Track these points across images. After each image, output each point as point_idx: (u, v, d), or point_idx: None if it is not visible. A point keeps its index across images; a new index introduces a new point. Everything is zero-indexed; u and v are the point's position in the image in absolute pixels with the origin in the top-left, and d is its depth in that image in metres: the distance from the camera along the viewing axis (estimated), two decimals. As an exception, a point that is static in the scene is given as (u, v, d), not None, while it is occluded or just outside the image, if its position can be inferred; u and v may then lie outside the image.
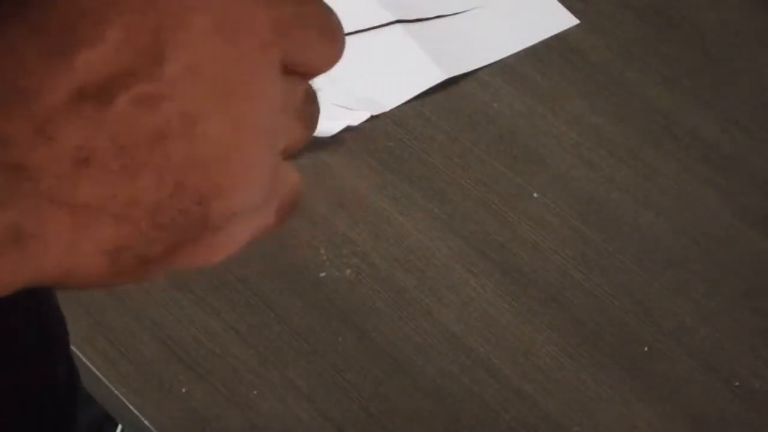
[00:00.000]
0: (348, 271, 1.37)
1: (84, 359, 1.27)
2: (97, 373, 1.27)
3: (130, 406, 1.25)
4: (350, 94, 1.52)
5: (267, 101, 0.39)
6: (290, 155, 0.43)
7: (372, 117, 1.52)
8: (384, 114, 1.52)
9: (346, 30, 0.44)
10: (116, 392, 1.26)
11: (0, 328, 0.91)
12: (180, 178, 0.36)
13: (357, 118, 1.51)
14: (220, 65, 0.36)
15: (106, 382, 1.26)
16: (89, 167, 0.35)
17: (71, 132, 0.34)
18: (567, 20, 1.63)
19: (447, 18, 1.64)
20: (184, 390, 1.27)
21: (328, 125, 1.49)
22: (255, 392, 1.27)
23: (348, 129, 1.50)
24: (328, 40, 0.42)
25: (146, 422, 1.24)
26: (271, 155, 0.40)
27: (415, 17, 1.63)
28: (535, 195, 1.45)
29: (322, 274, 1.36)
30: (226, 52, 0.36)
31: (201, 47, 0.36)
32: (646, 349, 1.32)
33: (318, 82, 0.51)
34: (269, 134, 0.40)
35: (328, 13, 0.42)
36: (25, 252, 0.35)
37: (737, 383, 1.30)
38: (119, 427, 1.13)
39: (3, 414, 0.93)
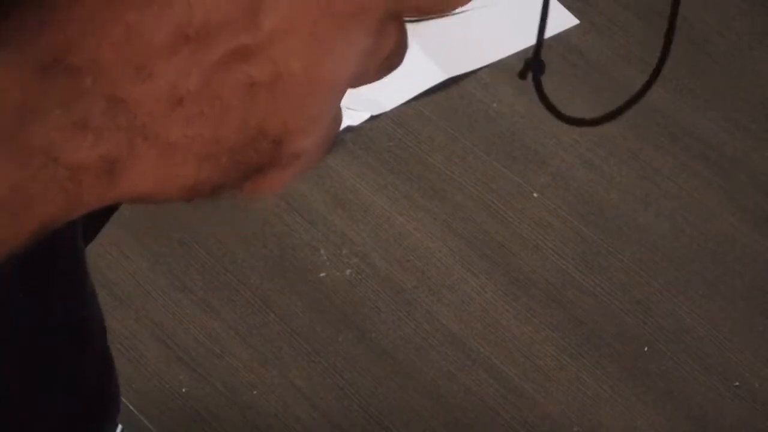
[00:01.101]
0: (348, 271, 1.37)
1: (84, 359, 1.27)
2: (97, 373, 1.27)
3: (130, 406, 1.25)
4: (350, 94, 1.52)
5: (352, 61, 0.41)
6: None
7: (372, 117, 1.52)
8: (384, 114, 1.52)
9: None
10: (116, 392, 1.26)
11: (37, 324, 0.91)
12: (261, 123, 0.39)
13: (357, 118, 1.51)
14: (312, 23, 0.38)
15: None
16: (182, 108, 0.37)
17: (169, 72, 0.36)
18: (567, 20, 1.63)
19: (447, 18, 1.64)
20: (184, 390, 1.27)
21: (328, 125, 1.49)
22: (255, 392, 1.27)
23: (348, 129, 1.50)
24: None
25: (146, 422, 1.24)
26: (339, 103, 0.42)
27: (415, 17, 1.63)
28: (535, 195, 1.45)
29: (322, 274, 1.36)
30: (321, 10, 0.38)
31: (297, 3, 0.38)
32: (646, 349, 1.32)
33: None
34: (345, 87, 0.42)
35: None
36: (114, 181, 0.37)
37: (737, 383, 1.30)
38: (119, 427, 1.14)
39: (33, 410, 0.94)
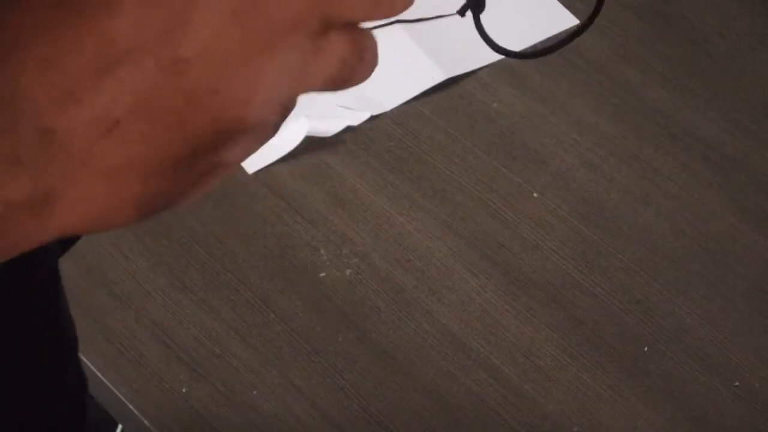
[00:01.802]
0: (348, 271, 1.37)
1: (84, 359, 1.27)
2: (98, 373, 1.27)
3: (130, 406, 1.25)
4: (350, 94, 1.52)
5: (283, 76, 0.40)
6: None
7: (372, 117, 1.52)
8: (384, 114, 1.52)
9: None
10: (116, 392, 1.26)
11: (11, 334, 0.91)
12: (202, 135, 0.38)
13: (357, 118, 1.51)
14: (237, 41, 0.37)
15: (106, 383, 1.26)
16: (119, 129, 0.36)
17: (99, 95, 0.35)
18: (567, 20, 1.63)
19: (447, 18, 1.64)
20: (184, 390, 1.27)
21: (328, 125, 1.49)
22: (255, 392, 1.27)
23: (348, 129, 1.50)
24: None
25: (146, 422, 1.24)
26: (288, 102, 0.42)
27: (415, 17, 1.63)
28: (535, 195, 1.45)
29: (322, 274, 1.36)
30: (244, 26, 0.38)
31: (219, 23, 0.37)
32: (646, 349, 1.32)
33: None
34: (281, 99, 0.42)
35: None
36: (52, 214, 0.36)
37: (737, 383, 1.30)
38: (119, 427, 1.13)
39: (12, 421, 0.94)
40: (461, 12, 0.55)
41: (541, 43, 1.61)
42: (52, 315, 0.99)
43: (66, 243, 1.00)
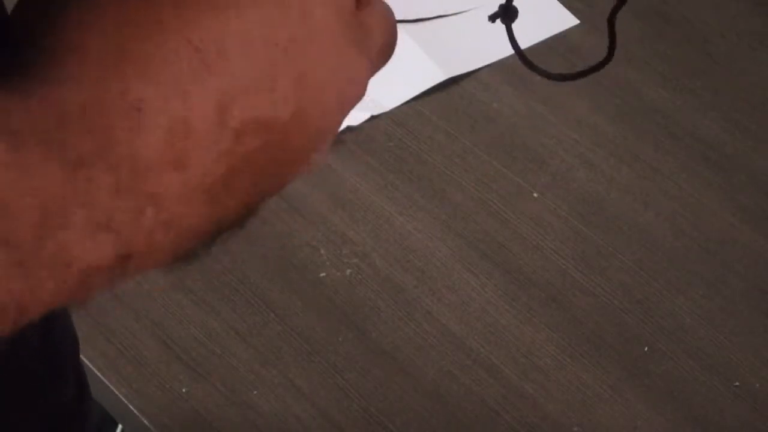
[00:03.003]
0: (348, 271, 1.37)
1: (84, 360, 1.27)
2: (98, 373, 1.27)
3: (130, 406, 1.25)
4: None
5: (360, 55, 0.40)
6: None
7: (372, 117, 1.52)
8: (384, 114, 1.52)
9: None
10: (116, 392, 1.26)
11: (10, 343, 0.91)
12: (264, 188, 0.38)
13: (357, 118, 1.51)
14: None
15: (107, 383, 1.26)
16: (209, 193, 0.38)
17: (203, 160, 0.35)
18: (567, 20, 1.63)
19: (447, 18, 1.64)
20: (184, 390, 1.27)
21: (328, 125, 1.49)
22: (255, 392, 1.27)
23: (348, 129, 1.50)
24: None
25: (146, 422, 1.24)
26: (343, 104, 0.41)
27: (415, 17, 1.63)
28: (535, 195, 1.45)
29: (322, 274, 1.36)
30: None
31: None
32: (646, 349, 1.32)
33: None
34: (367, 74, 0.41)
35: None
36: (123, 275, 0.36)
37: (737, 383, 1.30)
38: (119, 427, 1.13)
39: (11, 422, 0.94)
40: (491, 19, 0.55)
41: (541, 43, 1.61)
42: (51, 316, 0.99)
43: None
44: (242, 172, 0.36)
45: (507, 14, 0.51)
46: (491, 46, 1.60)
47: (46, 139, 0.33)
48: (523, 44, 1.67)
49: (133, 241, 0.34)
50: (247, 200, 0.37)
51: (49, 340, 0.98)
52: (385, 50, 0.44)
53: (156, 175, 0.34)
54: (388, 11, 0.45)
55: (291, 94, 0.36)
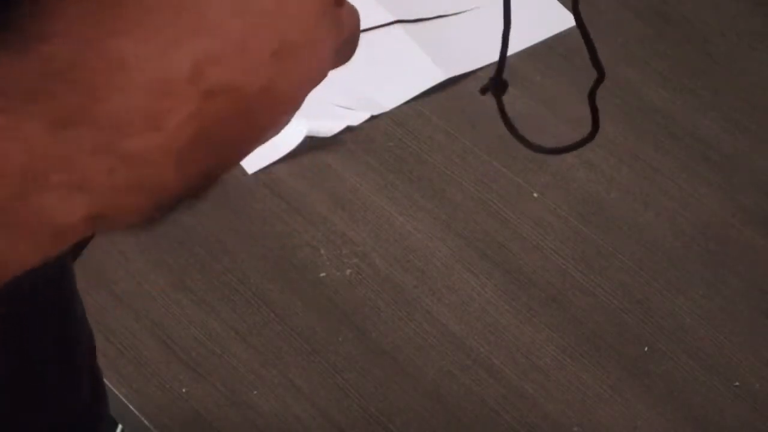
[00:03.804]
0: (348, 271, 1.37)
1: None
2: (97, 373, 1.27)
3: (130, 406, 1.25)
4: (350, 94, 1.52)
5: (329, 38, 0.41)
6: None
7: (372, 117, 1.52)
8: (384, 114, 1.52)
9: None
10: (116, 392, 1.26)
11: (24, 339, 0.91)
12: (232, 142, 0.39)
13: (357, 118, 1.51)
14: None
15: (107, 383, 1.26)
16: (180, 153, 0.37)
17: (175, 119, 0.36)
18: (567, 20, 1.63)
19: (447, 18, 1.64)
20: (184, 390, 1.27)
21: (328, 125, 1.49)
22: (255, 392, 1.27)
23: (348, 129, 1.50)
24: None
25: (146, 422, 1.24)
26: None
27: (415, 17, 1.63)
28: (535, 195, 1.45)
29: (322, 274, 1.36)
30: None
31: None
32: (646, 349, 1.32)
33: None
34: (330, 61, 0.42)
35: None
36: (92, 229, 0.36)
37: (737, 383, 1.30)
38: (119, 427, 1.13)
39: (26, 426, 0.94)
40: (482, 91, 0.55)
41: (541, 43, 1.61)
42: (65, 320, 0.98)
43: (76, 249, 1.00)
44: (208, 137, 0.36)
45: (497, 87, 0.51)
46: (491, 46, 1.60)
47: (30, 97, 0.34)
48: (523, 44, 1.68)
49: (105, 201, 0.35)
50: (208, 169, 0.37)
51: (65, 342, 0.98)
52: (349, 45, 0.45)
53: (133, 135, 0.34)
54: (355, 9, 0.46)
55: (264, 63, 0.37)
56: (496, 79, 0.54)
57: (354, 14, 0.46)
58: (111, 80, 0.35)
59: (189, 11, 0.35)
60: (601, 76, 0.53)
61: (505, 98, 1.73)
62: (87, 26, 0.35)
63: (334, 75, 0.45)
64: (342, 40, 0.44)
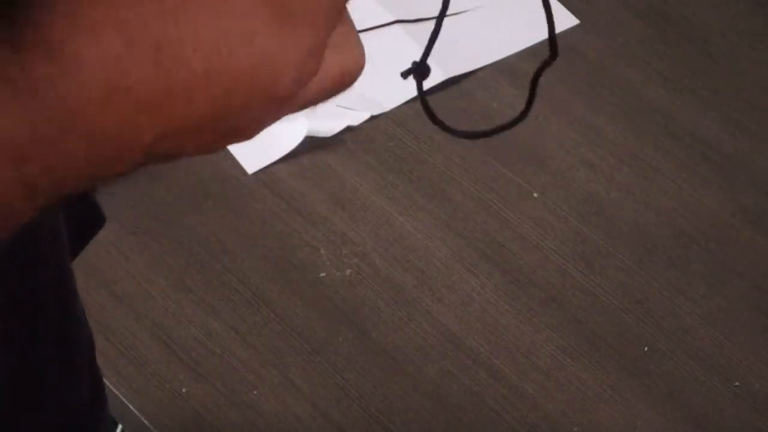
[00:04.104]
0: (348, 271, 1.37)
1: (84, 359, 1.27)
2: (97, 373, 1.27)
3: (130, 406, 1.25)
4: (350, 94, 1.52)
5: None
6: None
7: (372, 117, 1.52)
8: (384, 114, 1.52)
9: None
10: (116, 392, 1.26)
11: (22, 339, 0.91)
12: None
13: (357, 118, 1.51)
14: None
15: (107, 383, 1.26)
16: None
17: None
18: (567, 20, 1.63)
19: (447, 18, 1.64)
20: (184, 390, 1.27)
21: (328, 125, 1.49)
22: (255, 392, 1.27)
23: (348, 129, 1.50)
24: None
25: (146, 422, 1.24)
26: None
27: (415, 17, 1.63)
28: (535, 195, 1.45)
29: (322, 274, 1.36)
30: None
31: None
32: (646, 349, 1.32)
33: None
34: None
35: None
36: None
37: (737, 383, 1.30)
38: (119, 427, 1.13)
39: (26, 426, 0.94)
40: (404, 75, 0.55)
41: (541, 43, 1.61)
42: (65, 320, 0.98)
43: (76, 247, 1.00)
44: (176, 103, 0.37)
45: (419, 72, 0.51)
46: (491, 46, 1.60)
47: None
48: (524, 44, 1.68)
49: (49, 157, 0.37)
50: (181, 135, 0.38)
51: (65, 342, 0.98)
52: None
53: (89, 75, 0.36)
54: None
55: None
56: (420, 64, 0.54)
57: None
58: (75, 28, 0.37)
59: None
60: (552, 58, 0.53)
61: (505, 98, 1.73)
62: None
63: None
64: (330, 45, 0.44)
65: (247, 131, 0.42)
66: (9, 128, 0.36)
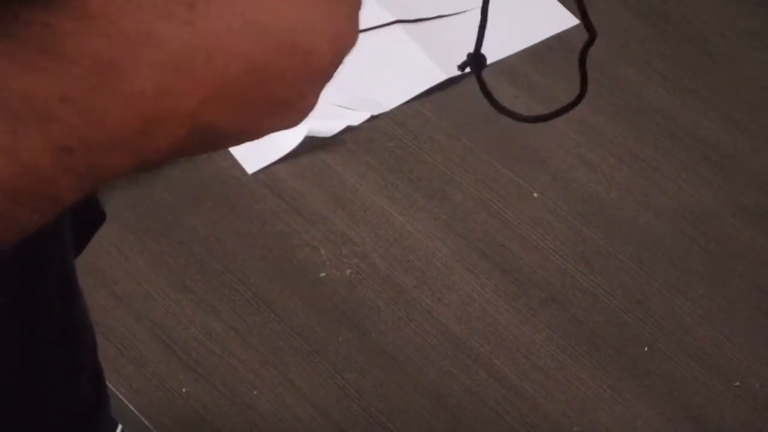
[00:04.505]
0: (348, 271, 1.37)
1: (84, 359, 1.27)
2: (97, 373, 1.27)
3: (130, 406, 1.25)
4: (350, 94, 1.52)
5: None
6: None
7: (372, 117, 1.52)
8: (384, 114, 1.52)
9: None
10: (116, 392, 1.26)
11: (24, 338, 0.91)
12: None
13: (357, 118, 1.51)
14: None
15: (107, 383, 1.26)
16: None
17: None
18: (567, 20, 1.63)
19: (447, 18, 1.64)
20: (184, 390, 1.27)
21: (328, 125, 1.49)
22: (255, 392, 1.27)
23: (348, 129, 1.50)
24: None
25: (146, 422, 1.24)
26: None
27: (415, 17, 1.63)
28: (535, 195, 1.45)
29: (322, 274, 1.36)
30: None
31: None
32: (646, 349, 1.32)
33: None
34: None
35: None
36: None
37: (737, 383, 1.30)
38: (119, 427, 1.13)
39: (27, 426, 0.94)
40: (461, 68, 0.54)
41: (541, 43, 1.61)
42: (67, 320, 0.98)
43: (80, 244, 1.00)
44: (213, 61, 0.35)
45: (476, 63, 0.50)
46: (491, 46, 1.60)
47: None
48: (524, 44, 1.68)
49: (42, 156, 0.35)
50: (197, 132, 0.36)
51: (66, 343, 0.98)
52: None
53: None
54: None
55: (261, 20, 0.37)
56: (475, 54, 0.53)
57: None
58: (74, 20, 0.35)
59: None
60: (592, 38, 0.52)
61: (505, 98, 1.74)
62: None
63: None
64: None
65: (287, 105, 0.40)
66: (35, 87, 0.34)
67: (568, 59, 1.58)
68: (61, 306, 0.95)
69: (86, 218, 0.97)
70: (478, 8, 1.79)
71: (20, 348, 0.91)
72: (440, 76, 1.55)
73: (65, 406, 1.00)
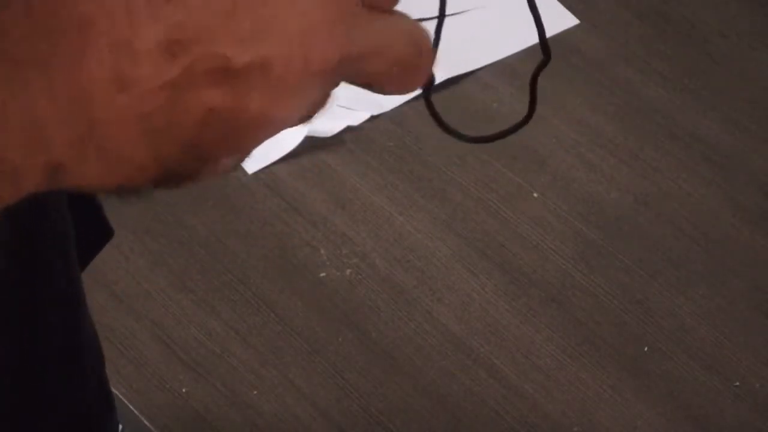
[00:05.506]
0: (348, 271, 1.37)
1: (84, 359, 1.27)
2: (97, 373, 1.27)
3: (130, 406, 1.25)
4: (350, 94, 1.52)
5: (300, 110, 0.40)
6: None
7: (372, 117, 1.52)
8: (384, 114, 1.52)
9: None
10: (116, 392, 1.26)
11: (31, 346, 0.91)
12: (200, 144, 0.38)
13: (357, 118, 1.51)
14: (284, 68, 0.37)
15: (106, 382, 1.27)
16: (146, 122, 0.38)
17: (145, 84, 0.36)
18: (567, 20, 1.63)
19: (447, 18, 1.64)
20: (184, 390, 1.27)
21: (328, 125, 1.49)
22: (255, 392, 1.27)
23: (348, 129, 1.50)
24: None
25: (146, 422, 1.24)
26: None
27: (414, 17, 1.63)
28: (535, 195, 1.45)
29: (322, 274, 1.36)
30: (297, 58, 0.37)
31: (278, 46, 0.37)
32: (646, 349, 1.32)
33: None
34: (282, 129, 0.41)
35: None
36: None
37: (737, 383, 1.30)
38: (119, 427, 1.13)
39: (33, 428, 0.94)
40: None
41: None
42: (71, 328, 0.98)
43: (86, 257, 1.00)
44: (189, 113, 0.35)
45: (426, 84, 0.49)
46: (491, 46, 1.60)
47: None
48: (524, 44, 1.67)
49: (64, 154, 0.35)
50: (196, 149, 0.36)
51: (70, 350, 0.98)
52: (403, 64, 0.43)
53: (93, 90, 0.35)
54: (410, 28, 0.45)
55: (251, 37, 0.36)
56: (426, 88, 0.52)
57: (401, 31, 0.44)
58: (72, 37, 0.35)
59: None
60: (546, 60, 0.52)
61: (505, 98, 1.73)
62: None
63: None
64: (370, 46, 0.42)
65: (287, 101, 0.40)
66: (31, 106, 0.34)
67: (568, 59, 1.58)
68: (65, 314, 0.95)
69: (93, 234, 0.97)
70: (479, 8, 1.80)
71: (22, 349, 0.91)
72: (440, 76, 1.55)
73: (67, 412, 1.00)
